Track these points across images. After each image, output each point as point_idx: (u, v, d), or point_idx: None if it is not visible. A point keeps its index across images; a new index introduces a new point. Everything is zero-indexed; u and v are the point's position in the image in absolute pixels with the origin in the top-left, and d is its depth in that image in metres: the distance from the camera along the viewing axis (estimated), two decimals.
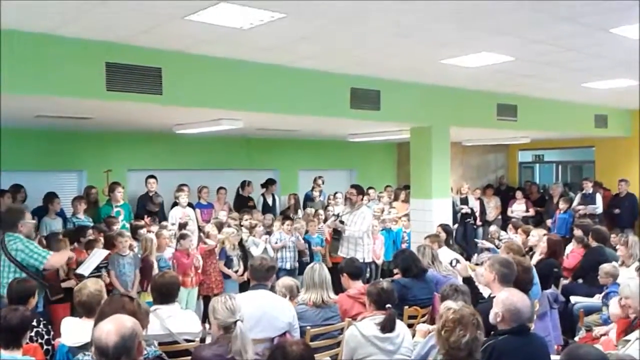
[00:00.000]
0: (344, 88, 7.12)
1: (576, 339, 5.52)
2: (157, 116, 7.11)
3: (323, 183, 10.81)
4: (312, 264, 4.78)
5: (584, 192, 10.68)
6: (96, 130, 8.86)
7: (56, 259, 5.17)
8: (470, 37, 5.45)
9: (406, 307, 4.78)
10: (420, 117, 8.09)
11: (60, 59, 5.08)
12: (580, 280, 6.83)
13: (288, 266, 7.86)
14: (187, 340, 3.84)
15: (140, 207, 8.67)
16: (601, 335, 4.87)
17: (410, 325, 4.40)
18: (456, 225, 10.46)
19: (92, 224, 7.41)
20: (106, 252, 6.12)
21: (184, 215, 8.34)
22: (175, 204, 8.64)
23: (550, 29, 5.22)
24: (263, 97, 6.41)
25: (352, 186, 7.94)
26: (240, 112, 6.50)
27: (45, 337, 3.91)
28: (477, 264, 7.52)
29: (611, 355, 2.96)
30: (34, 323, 3.79)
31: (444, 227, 7.32)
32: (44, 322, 4.02)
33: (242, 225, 8.09)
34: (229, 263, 7.33)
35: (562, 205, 10.31)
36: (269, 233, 8.11)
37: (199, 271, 7.03)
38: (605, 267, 5.99)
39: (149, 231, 7.22)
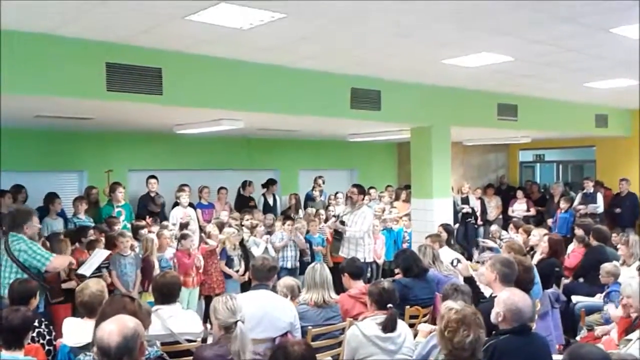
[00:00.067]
0: (344, 88, 7.12)
1: (577, 338, 5.53)
2: (158, 116, 7.11)
3: (323, 183, 10.81)
4: (313, 264, 4.78)
5: (584, 191, 10.69)
6: (97, 130, 8.86)
7: (59, 262, 5.16)
8: (471, 37, 5.45)
9: (407, 307, 4.78)
10: (421, 117, 8.08)
11: (61, 59, 5.08)
12: (581, 280, 6.83)
13: (289, 265, 7.88)
14: (189, 341, 3.84)
15: (141, 207, 8.68)
16: (603, 334, 4.87)
17: (411, 325, 4.39)
18: (457, 225, 10.46)
19: (93, 224, 7.42)
20: (107, 252, 6.12)
21: (185, 215, 8.34)
22: (176, 204, 8.64)
23: (551, 29, 5.22)
24: (263, 97, 6.41)
25: (354, 185, 7.93)
26: (240, 112, 6.50)
27: (47, 337, 3.91)
28: (477, 262, 7.53)
29: (613, 355, 2.96)
30: (36, 323, 3.78)
31: (446, 226, 7.32)
32: (46, 322, 4.02)
33: (243, 225, 8.10)
34: (229, 263, 7.34)
35: (563, 205, 10.31)
36: (270, 233, 8.11)
37: (200, 271, 7.04)
38: (606, 267, 5.98)
39: (150, 231, 7.23)
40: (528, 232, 7.47)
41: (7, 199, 7.37)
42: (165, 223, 7.81)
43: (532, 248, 6.95)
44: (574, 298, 6.32)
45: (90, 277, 5.13)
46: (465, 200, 11.18)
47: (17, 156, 8.22)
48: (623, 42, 5.61)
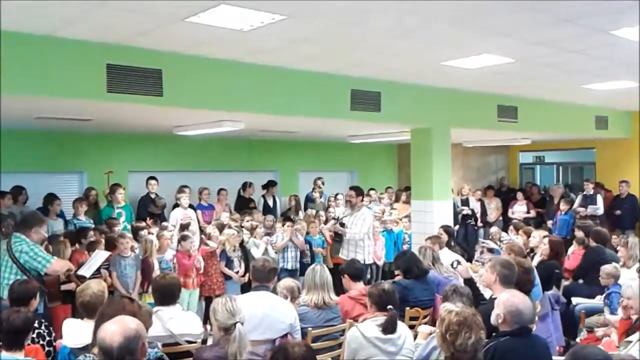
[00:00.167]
0: (344, 89, 7.12)
1: (577, 340, 5.53)
2: (158, 118, 7.11)
3: (323, 184, 10.82)
4: (313, 265, 4.78)
5: (585, 193, 10.69)
6: (97, 131, 8.86)
7: (60, 265, 5.16)
8: (471, 38, 5.45)
9: (407, 308, 4.77)
10: (421, 119, 8.08)
11: (61, 61, 5.08)
12: (581, 281, 6.83)
13: (289, 266, 7.88)
14: (189, 342, 3.84)
15: (141, 208, 8.67)
16: (603, 336, 4.87)
17: (411, 327, 4.40)
18: (457, 227, 10.45)
19: (93, 226, 7.42)
20: (107, 253, 6.13)
21: (185, 216, 8.34)
22: (176, 206, 8.63)
23: (551, 31, 5.22)
24: (263, 98, 6.42)
25: (351, 188, 7.91)
26: (240, 113, 6.50)
27: (47, 338, 3.91)
28: (477, 261, 7.53)
29: (613, 356, 2.96)
30: (36, 325, 3.79)
31: (446, 228, 7.31)
32: (45, 323, 4.02)
33: (242, 227, 8.09)
34: (229, 264, 7.34)
35: (563, 207, 10.31)
36: (270, 234, 8.11)
37: (201, 272, 7.04)
38: (606, 268, 5.99)
39: (149, 232, 7.23)
40: (528, 234, 7.47)
41: (7, 200, 7.37)
42: (164, 224, 7.81)
43: (532, 250, 6.94)
44: (574, 300, 6.31)
45: (90, 278, 5.14)
46: (465, 202, 11.18)
47: (18, 157, 8.23)
48: (623, 44, 5.60)
